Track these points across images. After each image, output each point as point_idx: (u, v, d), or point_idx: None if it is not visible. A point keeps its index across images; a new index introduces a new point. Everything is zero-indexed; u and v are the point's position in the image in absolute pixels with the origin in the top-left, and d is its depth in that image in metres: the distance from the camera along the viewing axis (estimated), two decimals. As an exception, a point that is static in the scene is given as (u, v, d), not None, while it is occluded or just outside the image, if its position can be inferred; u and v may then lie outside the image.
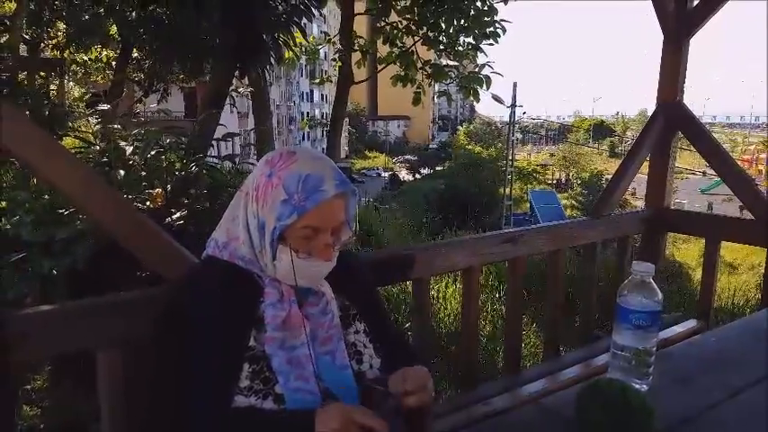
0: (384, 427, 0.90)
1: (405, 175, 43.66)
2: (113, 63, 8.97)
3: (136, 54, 8.43)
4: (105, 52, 9.15)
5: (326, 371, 1.05)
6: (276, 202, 1.02)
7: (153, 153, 2.81)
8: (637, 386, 1.10)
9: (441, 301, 4.10)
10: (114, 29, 7.21)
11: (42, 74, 7.29)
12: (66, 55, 8.63)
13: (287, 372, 1.00)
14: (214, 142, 3.42)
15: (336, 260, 1.12)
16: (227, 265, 1.09)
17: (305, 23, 4.37)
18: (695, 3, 2.61)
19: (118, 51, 8.50)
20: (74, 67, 9.69)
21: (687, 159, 38.09)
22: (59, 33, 8.22)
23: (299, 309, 1.07)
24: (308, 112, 48.92)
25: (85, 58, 9.42)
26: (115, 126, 2.94)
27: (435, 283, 4.32)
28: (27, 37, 7.70)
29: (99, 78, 10.45)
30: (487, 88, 5.82)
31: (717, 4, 2.55)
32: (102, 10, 6.41)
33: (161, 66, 7.63)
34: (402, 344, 1.27)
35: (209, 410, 0.98)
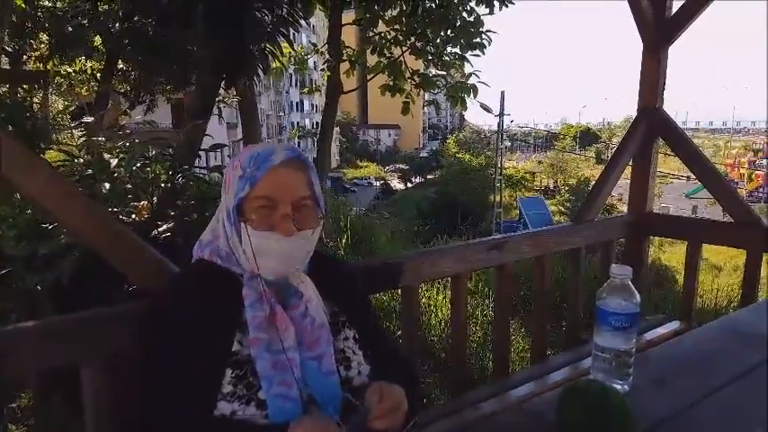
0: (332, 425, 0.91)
1: (396, 183, 43.76)
2: (98, 75, 8.93)
3: (121, 65, 8.41)
4: (90, 64, 9.11)
5: (312, 376, 1.03)
6: (234, 181, 1.06)
7: (138, 165, 2.80)
8: (618, 387, 1.12)
9: (431, 308, 4.11)
10: (99, 40, 7.19)
11: (25, 87, 7.24)
12: (49, 67, 8.57)
13: (270, 377, 0.98)
14: (202, 153, 3.42)
15: (326, 265, 1.16)
16: (206, 267, 1.11)
17: (293, 34, 4.41)
18: (674, 11, 2.66)
19: (102, 63, 8.47)
20: (57, 78, 9.63)
21: (671, 164, 38.57)
22: (42, 45, 8.17)
23: (285, 310, 1.05)
24: (297, 122, 48.98)
25: (69, 69, 9.36)
26: (100, 138, 2.93)
27: (426, 290, 4.34)
28: (9, 49, 7.64)
29: (83, 90, 10.39)
30: (474, 97, 5.87)
31: (695, 12, 2.59)
32: (85, 21, 6.39)
33: (147, 77, 7.62)
34: (392, 354, 1.25)
35: (191, 419, 0.97)
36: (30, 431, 2.91)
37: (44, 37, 7.71)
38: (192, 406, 0.98)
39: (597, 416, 0.92)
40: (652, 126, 2.75)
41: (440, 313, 4.09)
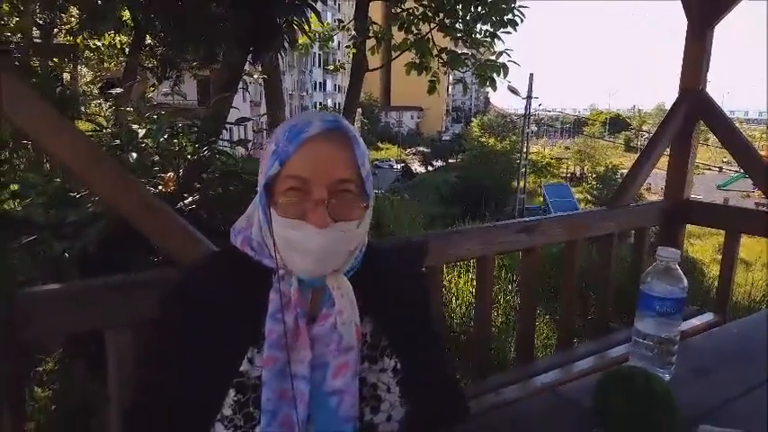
0: None
1: (417, 167, 43.57)
2: (126, 49, 8.98)
3: (149, 41, 8.43)
4: (119, 38, 9.16)
5: (324, 418, 0.85)
6: (267, 157, 0.87)
7: (166, 137, 2.79)
8: (659, 375, 1.07)
9: (452, 290, 4.07)
10: (127, 14, 7.20)
11: (56, 59, 7.32)
12: (79, 41, 8.64)
13: (273, 411, 0.83)
14: (227, 127, 3.40)
15: (372, 272, 0.93)
16: (235, 259, 0.92)
17: (320, 8, 4.34)
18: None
19: (131, 37, 8.50)
20: (87, 52, 9.71)
21: (703, 154, 37.61)
22: (72, 19, 8.22)
23: (309, 327, 0.87)
24: (320, 102, 48.93)
25: (98, 43, 9.44)
26: (128, 109, 2.93)
27: (447, 272, 4.29)
28: (40, 22, 7.71)
29: (112, 65, 10.48)
30: (505, 77, 5.72)
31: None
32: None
33: (174, 53, 7.63)
34: (439, 396, 1.01)
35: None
36: (55, 394, 2.97)
37: (74, 10, 7.74)
38: (187, 419, 0.86)
39: (640, 404, 0.87)
40: (693, 108, 2.64)
41: (461, 296, 4.05)
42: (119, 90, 3.28)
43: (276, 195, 0.85)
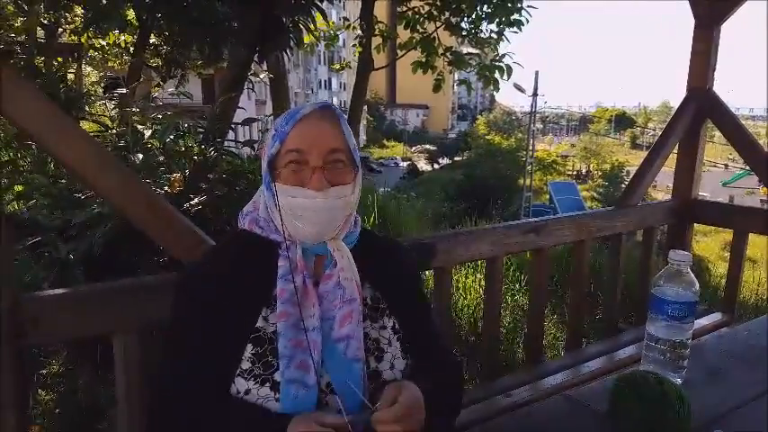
0: (341, 423, 0.83)
1: (423, 164, 43.49)
2: (131, 48, 8.97)
3: (154, 40, 8.42)
4: (123, 37, 9.16)
5: (335, 361, 0.95)
6: (268, 142, 1.02)
7: (172, 137, 2.79)
8: (671, 379, 1.05)
9: (460, 291, 4.05)
10: (132, 13, 7.20)
11: (59, 59, 7.32)
12: (83, 40, 8.64)
13: (289, 357, 0.92)
14: (233, 127, 3.40)
15: (373, 246, 1.07)
16: (244, 237, 1.05)
17: (325, 7, 4.33)
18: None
19: (135, 36, 8.49)
20: (91, 52, 9.70)
21: (708, 151, 37.36)
22: (76, 18, 8.22)
23: (316, 288, 0.99)
24: (325, 100, 48.97)
25: (103, 42, 9.43)
26: (133, 110, 2.93)
27: (454, 273, 4.27)
28: (45, 21, 7.71)
29: (116, 64, 10.48)
30: (508, 78, 5.69)
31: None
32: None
33: (179, 51, 7.63)
34: (436, 353, 1.11)
35: (205, 392, 0.94)
36: (59, 398, 2.97)
37: (78, 10, 7.74)
38: (208, 378, 0.94)
39: (654, 409, 0.86)
40: (701, 108, 2.62)
41: (468, 297, 4.03)
42: (123, 90, 3.28)
43: (278, 170, 0.98)
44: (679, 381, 1.09)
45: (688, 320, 1.07)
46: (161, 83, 8.24)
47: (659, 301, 1.06)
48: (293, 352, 0.92)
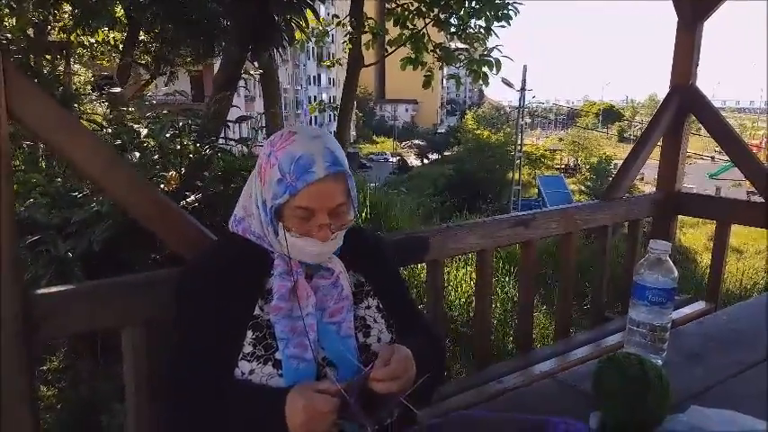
0: (334, 391, 0.91)
1: (413, 159, 43.54)
2: (120, 46, 8.92)
3: (143, 37, 8.38)
4: (112, 34, 9.11)
5: (329, 340, 1.07)
6: (273, 182, 1.06)
7: (168, 136, 2.83)
8: (652, 360, 1.13)
9: (451, 283, 4.13)
10: (121, 11, 7.18)
11: (48, 57, 7.27)
12: (72, 38, 8.58)
13: (287, 339, 1.03)
14: (227, 125, 3.44)
15: (355, 236, 1.15)
16: (240, 240, 1.15)
17: (316, 5, 4.37)
18: (710, -16, 2.59)
19: (125, 34, 8.45)
20: (79, 50, 9.62)
21: (695, 144, 37.79)
22: (65, 15, 8.16)
23: (309, 281, 1.10)
24: (315, 96, 48.73)
25: (92, 40, 9.36)
26: (129, 109, 2.96)
27: (446, 266, 4.35)
28: (34, 19, 7.65)
29: (104, 61, 10.40)
30: (497, 72, 5.76)
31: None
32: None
33: (169, 49, 7.62)
34: (418, 325, 1.24)
35: (213, 376, 1.02)
36: (60, 393, 3.01)
37: (67, 7, 7.70)
38: (214, 363, 1.03)
39: (634, 387, 0.93)
40: (684, 103, 2.70)
41: (460, 289, 4.11)
42: (118, 89, 3.30)
43: (285, 217, 1.06)
44: (659, 362, 1.16)
45: (667, 306, 1.15)
46: (151, 80, 8.22)
47: (640, 287, 1.14)
48: (289, 335, 1.03)
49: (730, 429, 0.95)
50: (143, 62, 9.32)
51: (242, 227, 1.15)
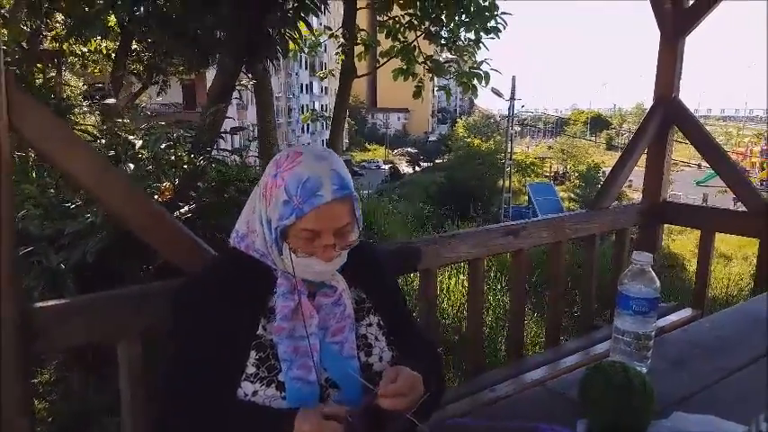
0: (341, 412, 0.92)
1: (405, 167, 43.66)
2: (112, 55, 8.93)
3: (135, 46, 8.40)
4: (105, 44, 9.13)
5: (332, 360, 1.07)
6: (279, 203, 1.06)
7: (162, 147, 2.85)
8: (637, 368, 1.17)
9: (444, 292, 4.16)
10: (113, 20, 7.20)
11: (39, 65, 7.26)
12: (64, 47, 8.58)
13: (290, 360, 1.03)
14: (222, 135, 3.46)
15: (354, 253, 1.14)
16: (243, 257, 1.14)
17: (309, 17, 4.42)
18: (691, 1, 2.67)
19: (117, 43, 8.46)
20: (71, 58, 9.62)
21: (683, 152, 38.23)
22: (57, 25, 8.17)
23: (312, 300, 1.10)
24: (307, 105, 48.81)
25: (84, 49, 9.36)
26: (125, 120, 2.98)
27: (438, 275, 4.37)
28: (26, 29, 7.65)
29: (96, 70, 10.39)
30: (486, 84, 5.85)
31: (713, 3, 2.60)
32: (101, 1, 6.42)
33: (161, 58, 7.64)
34: (417, 339, 1.25)
35: (214, 397, 1.02)
36: (51, 406, 2.99)
37: (59, 16, 7.72)
38: (214, 377, 1.02)
39: (619, 393, 0.97)
40: (668, 115, 2.77)
41: (452, 298, 4.15)
42: (113, 100, 3.32)
43: (290, 237, 1.07)
44: (644, 369, 1.20)
45: (651, 314, 1.19)
46: (143, 89, 8.23)
47: (625, 297, 1.18)
48: (292, 356, 1.03)
49: (711, 434, 0.99)
50: (135, 71, 9.32)
51: (245, 243, 1.14)
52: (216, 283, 1.12)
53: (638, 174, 2.99)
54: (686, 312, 2.71)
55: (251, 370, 1.03)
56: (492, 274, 4.51)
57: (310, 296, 1.11)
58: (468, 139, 32.87)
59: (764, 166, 39.49)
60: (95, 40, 8.35)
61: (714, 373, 1.25)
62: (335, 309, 1.11)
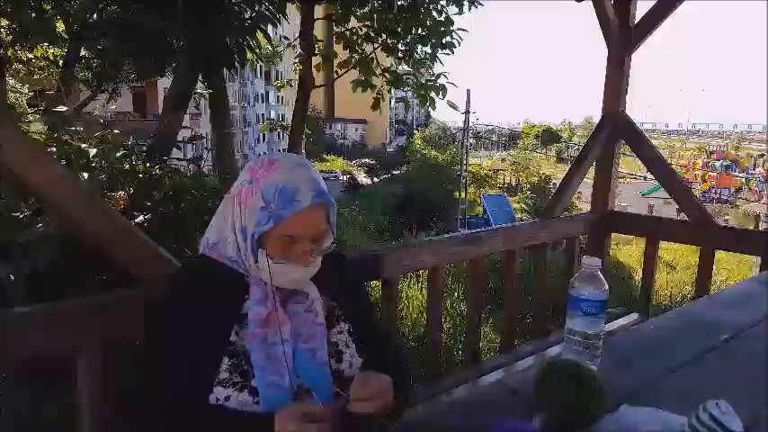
0: (323, 413, 0.95)
1: (363, 178, 43.71)
2: (60, 61, 8.63)
3: (84, 53, 8.14)
4: (52, 50, 8.82)
5: (305, 367, 1.09)
6: (255, 209, 1.07)
7: (118, 155, 2.80)
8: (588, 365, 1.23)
9: (403, 300, 4.21)
10: (62, 26, 6.98)
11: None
12: (9, 53, 8.24)
13: (263, 366, 1.04)
14: (178, 145, 3.42)
15: (324, 261, 1.16)
16: (214, 264, 1.15)
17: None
18: (636, 21, 2.83)
19: (65, 49, 8.19)
20: (16, 65, 9.24)
21: (629, 164, 39.84)
22: (1, 30, 7.85)
23: (284, 307, 1.12)
24: (263, 114, 48.30)
25: (30, 55, 9.02)
26: (77, 128, 2.91)
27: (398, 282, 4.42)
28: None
29: (42, 77, 10.01)
30: (443, 97, 5.97)
31: (658, 21, 2.76)
32: (50, 7, 6.22)
33: (113, 65, 7.44)
34: (384, 344, 1.28)
35: (187, 401, 1.03)
36: (1, 420, 2.87)
37: (3, 22, 7.42)
38: (189, 389, 1.03)
39: (572, 387, 1.03)
40: (615, 129, 2.92)
41: (411, 305, 4.20)
42: (64, 108, 3.23)
43: (266, 243, 1.08)
44: (594, 368, 1.27)
45: (600, 316, 1.26)
46: (93, 98, 7.98)
47: (575, 299, 1.25)
48: (266, 363, 1.05)
49: (655, 427, 1.06)
50: (84, 78, 9.04)
51: (216, 251, 1.15)
52: (188, 289, 1.13)
53: (586, 185, 3.13)
54: (633, 317, 2.84)
55: (224, 375, 1.04)
56: (449, 282, 4.59)
57: (282, 303, 1.12)
58: (425, 151, 33.30)
59: (706, 178, 41.60)
60: (42, 47, 8.05)
61: (658, 370, 1.33)
62: (307, 316, 1.13)
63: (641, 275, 3.03)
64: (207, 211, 2.81)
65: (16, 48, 7.55)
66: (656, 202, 30.41)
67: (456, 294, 4.44)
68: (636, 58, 2.91)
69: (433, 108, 6.25)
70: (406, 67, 6.39)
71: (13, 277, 2.64)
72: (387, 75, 6.00)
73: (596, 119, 3.05)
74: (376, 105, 6.22)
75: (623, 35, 2.82)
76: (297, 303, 1.14)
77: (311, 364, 1.09)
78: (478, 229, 2.43)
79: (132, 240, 1.52)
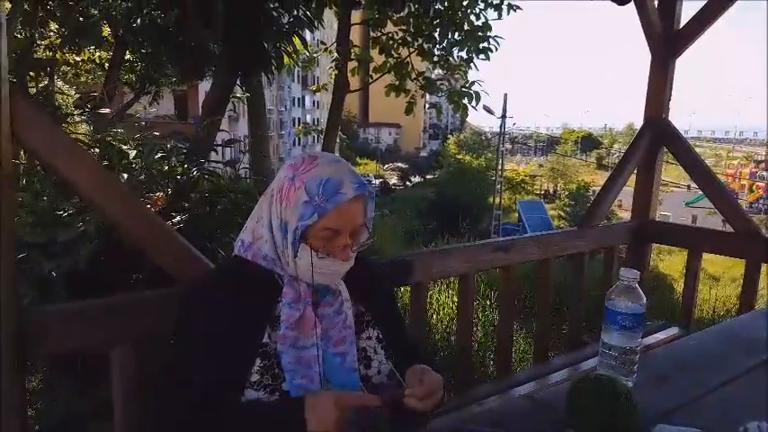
0: (375, 399, 0.97)
1: (396, 182, 43.79)
2: (105, 64, 8.94)
3: (128, 56, 8.42)
4: (98, 53, 9.15)
5: (334, 372, 1.09)
6: (299, 204, 1.08)
7: (157, 157, 2.87)
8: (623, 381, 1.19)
9: (434, 307, 4.18)
10: (107, 30, 7.23)
11: (32, 74, 7.26)
12: (58, 56, 8.58)
13: (294, 370, 1.04)
14: (215, 148, 3.48)
15: (355, 265, 1.16)
16: (249, 264, 1.15)
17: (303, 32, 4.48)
18: (681, 25, 2.74)
19: (110, 52, 8.48)
20: (64, 67, 9.62)
21: (672, 173, 38.71)
22: (52, 34, 8.19)
23: (315, 309, 1.12)
24: (299, 118, 48.96)
25: (77, 58, 9.38)
26: (119, 130, 2.99)
27: (428, 288, 4.39)
28: (20, 37, 7.66)
29: (89, 80, 10.38)
30: (476, 104, 5.92)
31: (704, 26, 2.67)
32: (97, 12, 6.45)
33: (155, 69, 7.67)
34: (416, 353, 1.27)
35: (220, 402, 1.03)
36: (38, 414, 2.96)
37: (53, 26, 7.74)
38: (221, 389, 1.03)
39: (605, 404, 0.99)
40: (657, 136, 2.83)
41: (442, 312, 4.16)
42: (107, 110, 3.34)
43: (310, 237, 1.09)
44: (630, 383, 1.23)
45: (637, 330, 1.22)
46: (135, 100, 8.23)
47: (612, 312, 1.21)
48: (297, 366, 1.05)
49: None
50: (128, 81, 9.33)
51: (252, 251, 1.15)
52: (223, 289, 1.14)
53: (627, 193, 3.05)
54: (673, 331, 2.74)
55: (255, 377, 1.04)
56: (481, 289, 4.53)
57: (314, 305, 1.12)
58: (460, 156, 33.09)
59: (753, 188, 40.09)
60: (89, 50, 8.36)
61: (697, 388, 1.28)
62: (337, 318, 1.13)
63: (683, 287, 2.92)
64: (242, 212, 2.84)
65: (64, 51, 7.85)
66: (700, 212, 29.45)
67: (488, 302, 4.38)
68: (681, 62, 2.83)
69: (466, 116, 6.20)
70: (440, 72, 6.37)
71: (54, 274, 2.72)
72: (420, 80, 5.99)
73: (639, 126, 2.96)
74: (409, 110, 6.22)
75: (667, 39, 2.73)
76: (327, 305, 1.14)
77: (341, 369, 1.10)
78: (511, 237, 2.39)
79: (168, 241, 1.55)
